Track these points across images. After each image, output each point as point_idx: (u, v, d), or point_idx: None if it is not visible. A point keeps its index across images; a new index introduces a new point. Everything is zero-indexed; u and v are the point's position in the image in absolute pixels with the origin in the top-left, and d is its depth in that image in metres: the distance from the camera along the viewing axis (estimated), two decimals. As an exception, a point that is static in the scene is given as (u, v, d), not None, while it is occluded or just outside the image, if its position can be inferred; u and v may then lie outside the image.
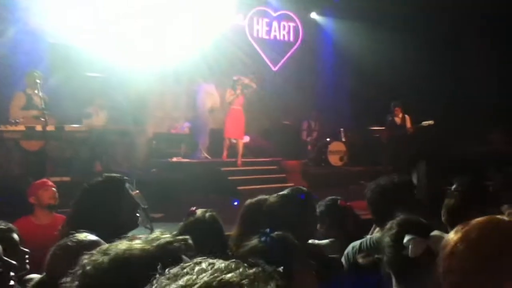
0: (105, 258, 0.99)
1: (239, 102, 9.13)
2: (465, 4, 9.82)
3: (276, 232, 1.79)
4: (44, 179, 4.01)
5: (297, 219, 2.52)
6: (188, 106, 9.77)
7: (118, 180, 2.53)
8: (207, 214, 2.46)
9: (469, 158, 8.52)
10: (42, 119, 5.41)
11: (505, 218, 1.14)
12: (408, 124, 9.69)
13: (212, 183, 7.75)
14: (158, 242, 1.03)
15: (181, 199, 6.56)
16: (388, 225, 1.80)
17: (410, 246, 1.61)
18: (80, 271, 0.99)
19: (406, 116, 9.71)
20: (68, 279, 1.03)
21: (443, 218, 2.55)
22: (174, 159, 8.73)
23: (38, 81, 5.86)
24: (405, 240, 1.64)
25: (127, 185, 2.72)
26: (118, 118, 7.81)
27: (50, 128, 5.80)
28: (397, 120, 9.76)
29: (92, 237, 1.86)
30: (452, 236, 1.11)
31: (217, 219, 2.47)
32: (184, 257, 0.97)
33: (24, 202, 4.10)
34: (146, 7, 8.83)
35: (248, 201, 2.84)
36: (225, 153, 9.11)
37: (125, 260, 0.98)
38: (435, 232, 1.67)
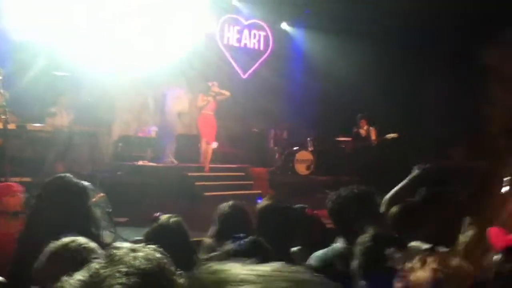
0: None
1: (211, 107, 9.09)
2: (432, 14, 10.16)
3: (250, 237, 1.81)
4: (9, 183, 3.78)
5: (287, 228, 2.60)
6: (156, 110, 9.66)
7: (70, 182, 2.50)
8: (172, 220, 2.44)
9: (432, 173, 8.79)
10: (3, 117, 5.21)
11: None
12: (373, 136, 9.99)
13: (179, 188, 7.67)
14: None
15: (146, 203, 6.46)
16: (360, 239, 1.80)
17: (390, 262, 1.61)
18: None
19: (371, 128, 10.01)
20: None
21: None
22: (140, 163, 8.59)
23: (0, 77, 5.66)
24: (385, 254, 1.62)
25: (89, 187, 2.68)
26: (83, 119, 7.63)
27: (11, 126, 5.59)
28: (362, 132, 10.06)
29: (89, 242, 1.80)
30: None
31: (182, 224, 2.46)
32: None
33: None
34: (119, 8, 8.71)
35: (226, 205, 2.90)
36: (203, 155, 9.08)
37: None
38: (413, 243, 1.67)
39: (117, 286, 0.72)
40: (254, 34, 11.58)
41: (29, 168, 5.97)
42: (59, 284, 0.75)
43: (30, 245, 1.82)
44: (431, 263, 1.34)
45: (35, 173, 5.89)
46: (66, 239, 1.75)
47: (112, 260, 0.78)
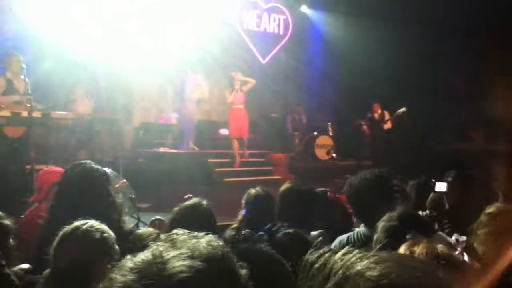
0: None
1: (240, 100, 8.91)
2: None
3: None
4: (59, 169, 3.77)
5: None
6: (175, 97, 9.69)
7: (91, 169, 2.54)
8: (203, 202, 2.50)
9: (452, 155, 8.69)
10: (28, 105, 5.30)
11: None
12: (387, 117, 10.20)
13: (199, 175, 7.72)
14: None
15: (168, 189, 6.53)
16: (386, 217, 1.75)
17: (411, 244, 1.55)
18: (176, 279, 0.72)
19: (385, 112, 10.08)
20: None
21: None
22: (161, 150, 8.67)
23: (23, 65, 5.72)
24: (408, 237, 1.57)
25: (112, 173, 2.72)
26: (104, 107, 7.71)
27: (36, 114, 5.68)
28: (376, 116, 10.29)
29: (102, 226, 1.84)
30: None
31: (211, 208, 2.52)
32: None
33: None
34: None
35: (255, 190, 2.94)
36: (236, 151, 8.84)
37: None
38: (439, 234, 1.61)
39: (181, 267, 0.71)
40: (274, 18, 11.43)
41: (53, 156, 6.08)
42: (122, 261, 0.76)
43: (52, 231, 1.86)
44: (417, 249, 1.30)
45: (59, 160, 6.00)
46: (77, 222, 1.79)
47: (174, 243, 0.77)
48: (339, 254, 0.72)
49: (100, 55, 7.66)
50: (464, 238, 1.96)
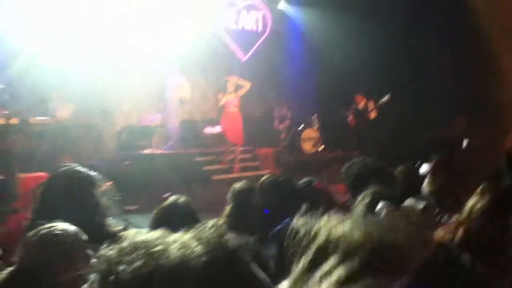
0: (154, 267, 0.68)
1: (234, 103, 8.67)
2: None
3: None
4: (42, 174, 3.76)
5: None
6: (157, 98, 9.60)
7: (77, 171, 2.50)
8: (180, 199, 2.47)
9: (438, 142, 8.78)
10: (5, 112, 5.17)
11: None
12: (371, 107, 10.25)
13: (186, 174, 7.66)
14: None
15: (155, 190, 6.43)
16: (360, 196, 1.81)
17: (382, 213, 1.62)
18: (113, 278, 0.68)
19: (369, 102, 10.17)
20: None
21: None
22: (146, 151, 8.58)
23: None
24: (378, 207, 1.64)
25: (96, 177, 2.67)
26: (84, 111, 7.58)
27: (13, 121, 5.55)
28: (360, 107, 10.32)
29: (70, 227, 1.82)
30: None
31: (190, 203, 2.49)
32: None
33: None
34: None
35: (239, 184, 2.92)
36: (225, 159, 8.67)
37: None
38: (408, 201, 1.70)
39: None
40: (252, 15, 11.40)
41: (36, 163, 5.95)
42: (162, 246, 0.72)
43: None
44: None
45: (42, 167, 5.88)
46: (44, 226, 1.78)
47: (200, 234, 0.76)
48: (322, 220, 0.71)
49: (78, 58, 7.53)
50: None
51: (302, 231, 0.74)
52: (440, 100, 10.44)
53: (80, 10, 8.13)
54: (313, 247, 0.70)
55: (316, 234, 0.71)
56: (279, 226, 2.02)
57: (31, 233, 1.79)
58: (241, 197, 2.91)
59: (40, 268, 1.67)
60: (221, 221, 3.11)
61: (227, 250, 0.71)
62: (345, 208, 3.06)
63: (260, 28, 11.50)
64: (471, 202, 2.05)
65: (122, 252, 0.68)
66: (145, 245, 0.69)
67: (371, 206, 1.77)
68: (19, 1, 7.43)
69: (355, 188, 2.62)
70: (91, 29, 8.17)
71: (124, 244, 0.70)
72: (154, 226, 2.24)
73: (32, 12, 7.51)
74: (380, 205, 1.68)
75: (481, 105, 9.69)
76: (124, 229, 3.89)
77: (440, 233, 1.29)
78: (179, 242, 0.70)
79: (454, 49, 10.42)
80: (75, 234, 1.81)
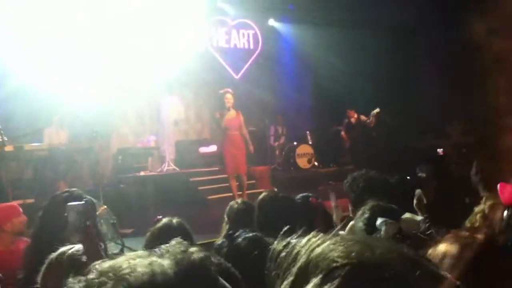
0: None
1: (235, 124, 7.14)
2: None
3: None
4: (13, 204, 3.81)
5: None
6: (152, 119, 9.64)
7: (78, 195, 2.52)
8: (174, 220, 2.48)
9: (432, 152, 8.85)
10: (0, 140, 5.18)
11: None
12: (364, 119, 10.35)
13: (182, 194, 7.66)
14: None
15: (151, 212, 6.44)
16: (360, 212, 1.83)
17: (382, 228, 1.65)
18: None
19: (362, 116, 10.24)
20: None
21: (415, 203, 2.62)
22: (142, 173, 8.58)
23: None
24: (377, 222, 1.67)
25: (93, 200, 2.71)
26: (79, 136, 7.60)
27: (8, 148, 5.55)
28: (353, 120, 10.41)
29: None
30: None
31: (184, 224, 2.51)
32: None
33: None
34: (108, 16, 8.71)
35: (236, 203, 2.94)
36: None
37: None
38: (406, 215, 1.71)
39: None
40: (243, 34, 11.55)
41: (31, 190, 5.95)
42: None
43: (37, 257, 1.85)
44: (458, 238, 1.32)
45: (37, 194, 5.87)
46: (62, 248, 1.80)
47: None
48: (304, 240, 0.72)
49: (73, 84, 7.58)
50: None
51: (284, 252, 0.74)
52: (434, 110, 10.53)
53: (76, 33, 8.22)
54: (294, 269, 0.69)
55: (297, 255, 0.70)
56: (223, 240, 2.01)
57: (54, 256, 1.79)
58: (238, 217, 2.92)
59: None
60: (218, 241, 3.11)
61: (193, 262, 0.70)
62: (346, 223, 3.08)
63: (252, 46, 11.65)
64: (482, 209, 2.06)
65: (90, 282, 0.67)
66: (112, 270, 0.68)
67: (370, 221, 1.78)
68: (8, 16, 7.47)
69: (361, 202, 2.61)
70: (88, 53, 8.26)
71: (90, 274, 0.69)
72: (147, 248, 2.25)
73: (24, 31, 7.55)
74: (379, 221, 1.70)
75: (476, 113, 9.76)
76: (120, 252, 3.90)
77: (442, 247, 1.27)
78: (145, 260, 0.69)
79: (446, 58, 10.55)
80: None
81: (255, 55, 11.63)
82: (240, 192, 7.30)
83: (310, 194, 3.22)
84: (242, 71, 11.39)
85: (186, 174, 8.78)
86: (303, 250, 0.70)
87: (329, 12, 10.71)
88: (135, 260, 0.69)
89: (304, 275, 0.67)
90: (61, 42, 7.90)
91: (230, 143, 7.20)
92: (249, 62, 11.51)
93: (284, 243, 0.73)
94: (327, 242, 0.69)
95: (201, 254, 0.72)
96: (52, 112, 7.39)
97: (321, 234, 0.72)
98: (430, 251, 1.24)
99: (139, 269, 0.67)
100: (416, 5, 10.22)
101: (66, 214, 2.11)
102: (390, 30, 10.86)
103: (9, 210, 3.71)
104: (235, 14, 11.25)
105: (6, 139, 5.40)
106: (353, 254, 0.64)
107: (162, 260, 0.69)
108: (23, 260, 2.58)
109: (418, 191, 3.16)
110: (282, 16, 12.00)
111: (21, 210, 3.73)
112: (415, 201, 2.76)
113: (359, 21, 10.77)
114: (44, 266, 1.80)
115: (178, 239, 0.75)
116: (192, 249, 0.73)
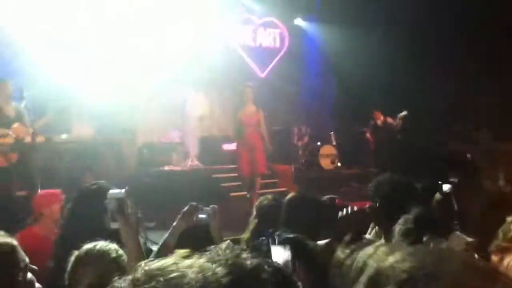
0: None
1: (252, 121, 6.81)
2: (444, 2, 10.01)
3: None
4: (55, 190, 3.92)
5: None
6: (176, 115, 9.73)
7: (106, 188, 2.57)
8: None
9: (458, 157, 8.67)
10: (31, 130, 5.32)
11: None
12: (391, 121, 10.25)
13: (205, 190, 7.71)
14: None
15: (174, 207, 6.49)
16: (401, 220, 1.73)
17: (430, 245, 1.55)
18: None
19: (388, 118, 10.11)
20: None
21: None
22: (166, 168, 8.67)
23: (11, 92, 5.58)
24: (424, 239, 1.58)
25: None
26: (106, 129, 7.73)
27: (39, 139, 5.70)
28: (379, 122, 10.27)
29: (113, 245, 1.87)
30: None
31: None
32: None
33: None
34: (137, 12, 8.81)
35: (265, 199, 2.95)
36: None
37: None
38: (457, 233, 1.62)
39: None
40: (269, 32, 11.54)
41: (58, 180, 6.08)
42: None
43: (66, 249, 1.89)
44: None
45: (64, 185, 6.00)
46: (89, 245, 1.81)
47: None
48: (369, 250, 0.71)
49: (101, 77, 7.70)
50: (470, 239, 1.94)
51: (348, 261, 0.74)
52: (461, 114, 10.32)
53: (104, 28, 8.34)
54: (363, 279, 0.68)
55: (364, 265, 0.70)
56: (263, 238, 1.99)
57: (82, 253, 1.82)
58: (268, 213, 2.94)
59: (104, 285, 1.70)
60: (245, 236, 3.13)
61: (246, 269, 0.68)
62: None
63: (277, 45, 11.62)
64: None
65: (136, 283, 0.65)
66: (161, 273, 0.65)
67: (413, 231, 1.68)
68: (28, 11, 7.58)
69: (389, 209, 2.50)
70: (116, 48, 8.36)
71: (137, 274, 0.66)
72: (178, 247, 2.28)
73: (24, 31, 7.62)
74: (425, 238, 1.60)
75: (504, 117, 9.53)
76: (145, 245, 3.96)
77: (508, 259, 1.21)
78: (195, 266, 0.67)
79: (471, 63, 10.32)
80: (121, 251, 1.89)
81: (281, 54, 11.60)
82: (247, 192, 7.16)
83: (335, 196, 3.22)
84: (268, 70, 11.38)
85: (209, 170, 8.83)
86: (371, 261, 0.70)
87: (355, 12, 10.62)
88: (184, 264, 0.66)
89: (374, 285, 0.67)
90: (61, 42, 7.97)
91: (244, 145, 6.96)
92: (274, 61, 11.49)
93: (347, 251, 0.73)
94: (397, 253, 0.68)
95: (255, 262, 0.69)
96: (80, 106, 7.52)
97: (387, 245, 0.71)
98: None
99: (190, 275, 0.64)
100: (446, 8, 10.04)
101: (106, 202, 2.08)
102: (419, 31, 10.69)
103: (51, 196, 3.82)
104: (262, 12, 11.24)
105: (35, 130, 5.52)
106: (425, 265, 0.64)
107: (214, 267, 0.66)
108: (52, 250, 2.64)
109: (444, 196, 3.11)
110: (309, 15, 11.94)
111: (61, 198, 3.78)
112: (442, 207, 2.72)
113: (385, 22, 10.64)
114: (72, 260, 1.82)
115: (229, 242, 0.74)
116: (244, 254, 0.70)
